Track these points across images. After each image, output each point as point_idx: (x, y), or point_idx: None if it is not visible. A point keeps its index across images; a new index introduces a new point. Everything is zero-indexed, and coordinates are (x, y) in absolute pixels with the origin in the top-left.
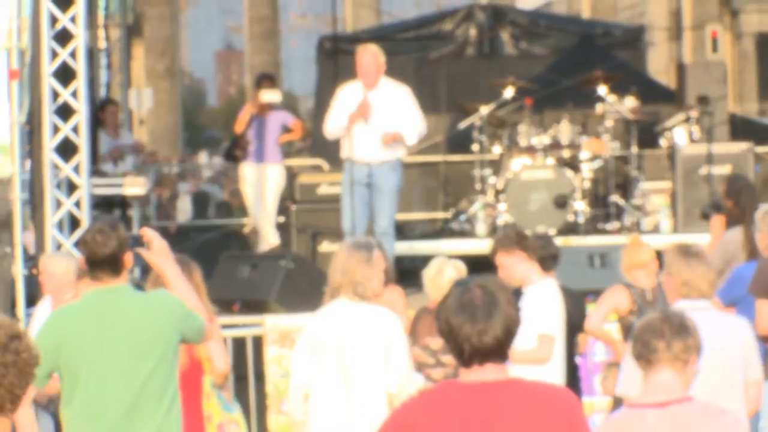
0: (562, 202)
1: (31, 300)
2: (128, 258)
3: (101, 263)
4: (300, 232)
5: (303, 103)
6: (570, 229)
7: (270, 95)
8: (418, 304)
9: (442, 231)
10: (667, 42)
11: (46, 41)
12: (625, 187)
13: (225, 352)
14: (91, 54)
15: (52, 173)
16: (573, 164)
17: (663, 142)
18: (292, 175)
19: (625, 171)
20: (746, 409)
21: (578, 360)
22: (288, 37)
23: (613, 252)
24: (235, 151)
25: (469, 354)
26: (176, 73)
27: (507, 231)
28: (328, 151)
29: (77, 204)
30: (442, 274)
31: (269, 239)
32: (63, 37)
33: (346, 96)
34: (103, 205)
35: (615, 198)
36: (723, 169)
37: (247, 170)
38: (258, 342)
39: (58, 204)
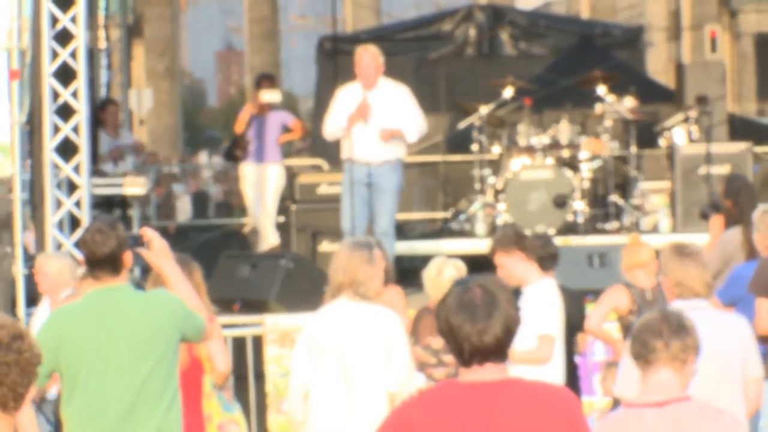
0: (561, 202)
1: (32, 300)
2: (127, 257)
3: (101, 263)
4: (300, 231)
5: (303, 103)
6: (569, 228)
7: (270, 95)
8: (418, 304)
9: (441, 231)
10: (666, 42)
11: (47, 41)
12: (624, 187)
13: (226, 352)
14: (92, 54)
15: (53, 173)
16: (572, 164)
17: (662, 141)
18: (291, 174)
19: (624, 171)
20: (746, 408)
21: (577, 359)
22: (288, 37)
23: (613, 252)
24: (235, 151)
25: (469, 353)
26: (176, 73)
27: (506, 231)
28: (328, 151)
29: (77, 204)
30: (442, 274)
31: (269, 239)
32: (63, 38)
33: (346, 97)
34: (104, 204)
35: (614, 198)
36: (722, 169)
37: (247, 170)
38: (258, 341)
39: (59, 204)
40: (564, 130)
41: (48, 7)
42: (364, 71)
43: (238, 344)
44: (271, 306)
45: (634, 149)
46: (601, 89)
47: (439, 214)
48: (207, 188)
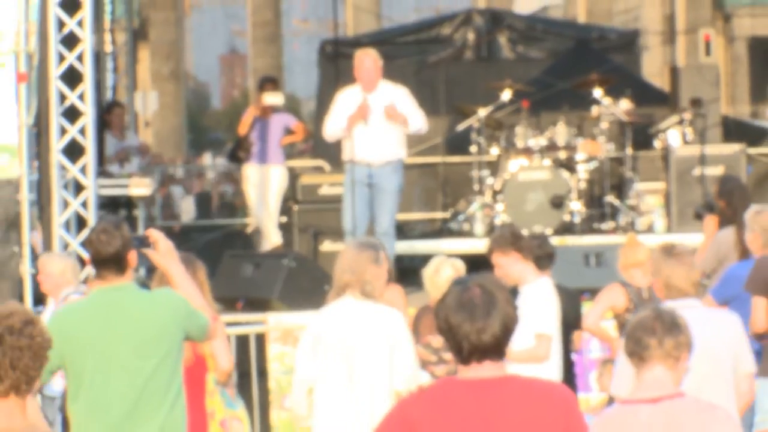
0: (558, 203)
1: (39, 299)
2: (132, 257)
3: (106, 262)
4: (302, 231)
5: (305, 106)
6: (566, 228)
7: (273, 98)
8: (418, 303)
9: (441, 231)
10: (661, 46)
11: (54, 45)
12: (620, 188)
13: (229, 350)
14: (98, 57)
15: (60, 174)
16: (569, 165)
17: (657, 143)
18: (294, 176)
19: (620, 172)
20: (739, 403)
21: (574, 357)
22: (290, 41)
23: (609, 251)
24: (238, 153)
25: (467, 351)
26: (181, 76)
27: (503, 231)
28: (330, 152)
29: (84, 204)
30: (440, 273)
31: (272, 239)
32: (70, 41)
33: (346, 99)
34: (110, 205)
35: (610, 198)
36: (716, 170)
37: (250, 171)
38: (261, 339)
39: (65, 204)
40: (561, 132)
41: (55, 11)
42: (366, 74)
43: (242, 342)
44: (273, 304)
45: (629, 151)
46: (598, 92)
47: (439, 215)
48: (210, 189)
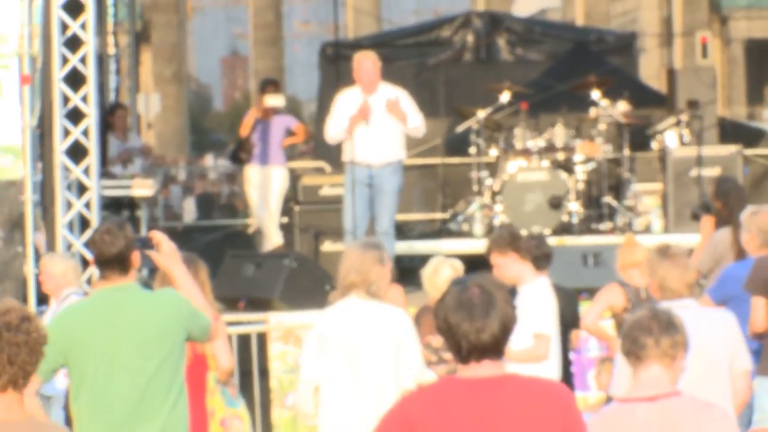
0: (556, 203)
1: (42, 299)
2: (135, 257)
3: (109, 262)
4: (303, 232)
5: (306, 108)
6: (564, 229)
7: (274, 100)
8: (417, 302)
9: (440, 231)
10: (659, 48)
11: (57, 47)
12: (618, 189)
13: (229, 350)
14: (101, 60)
15: (63, 175)
16: (567, 166)
17: (654, 144)
18: (295, 177)
19: (618, 173)
20: (735, 400)
21: (572, 356)
22: (291, 43)
23: (606, 251)
24: (240, 154)
25: (467, 351)
26: (183, 78)
27: (501, 232)
28: (330, 153)
29: (87, 205)
30: (439, 273)
31: (273, 239)
32: (73, 44)
33: (346, 101)
34: (113, 206)
35: (608, 199)
36: (712, 171)
37: (252, 172)
38: (262, 339)
39: (69, 205)
40: (559, 133)
41: (58, 13)
42: (366, 76)
43: (243, 341)
44: (275, 304)
45: (627, 152)
46: (596, 94)
47: (438, 215)
48: (211, 190)
